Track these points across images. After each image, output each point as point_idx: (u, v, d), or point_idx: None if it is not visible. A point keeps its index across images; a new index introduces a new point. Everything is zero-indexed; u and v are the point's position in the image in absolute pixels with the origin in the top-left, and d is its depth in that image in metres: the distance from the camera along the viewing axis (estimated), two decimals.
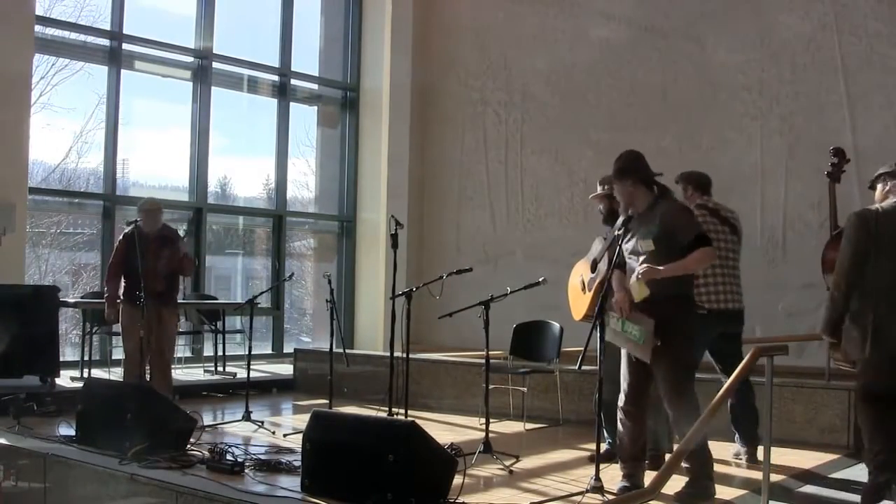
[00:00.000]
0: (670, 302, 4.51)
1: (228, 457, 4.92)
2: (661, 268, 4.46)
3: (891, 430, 4.17)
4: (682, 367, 4.53)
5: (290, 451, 5.37)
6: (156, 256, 6.80)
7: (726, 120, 8.93)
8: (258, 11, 10.76)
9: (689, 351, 4.56)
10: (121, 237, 6.96)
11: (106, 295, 6.97)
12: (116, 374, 7.99)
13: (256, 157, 10.84)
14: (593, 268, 5.30)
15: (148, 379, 6.88)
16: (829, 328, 4.30)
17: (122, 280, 6.85)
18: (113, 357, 8.36)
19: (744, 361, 4.42)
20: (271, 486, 4.52)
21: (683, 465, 4.44)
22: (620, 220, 4.87)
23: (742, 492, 4.70)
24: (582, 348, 4.51)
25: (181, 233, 8.33)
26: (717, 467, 4.88)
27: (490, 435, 5.52)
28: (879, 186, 4.46)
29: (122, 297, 6.79)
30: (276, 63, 10.39)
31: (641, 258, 4.57)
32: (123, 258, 6.75)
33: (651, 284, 4.50)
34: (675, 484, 4.43)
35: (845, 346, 4.28)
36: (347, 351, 7.74)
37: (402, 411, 6.34)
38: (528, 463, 5.42)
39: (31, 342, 6.97)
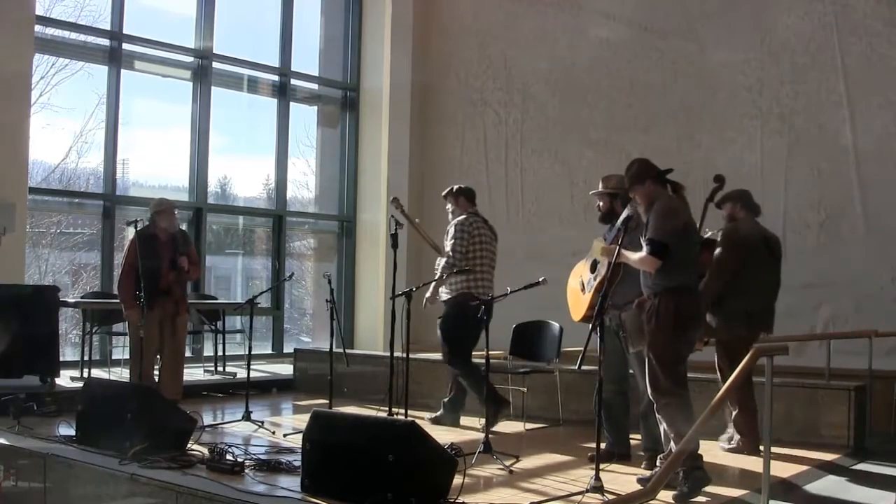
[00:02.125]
0: (655, 296, 4.63)
1: (228, 457, 4.91)
2: (624, 251, 4.71)
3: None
4: (658, 361, 4.58)
5: (290, 451, 5.36)
6: (169, 257, 6.79)
7: (726, 120, 8.93)
8: (258, 11, 10.77)
9: (668, 346, 4.58)
10: (132, 237, 6.89)
11: (123, 296, 6.87)
12: (116, 374, 8.00)
13: (256, 157, 10.86)
14: (593, 268, 5.30)
15: (156, 380, 6.90)
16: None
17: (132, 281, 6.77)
18: (113, 357, 8.37)
19: (743, 361, 4.42)
20: (271, 486, 4.52)
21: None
22: (622, 217, 4.90)
23: (742, 492, 4.70)
24: (582, 348, 4.51)
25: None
26: (718, 469, 4.90)
27: (490, 435, 5.52)
28: (729, 205, 5.98)
29: (140, 300, 6.57)
30: (276, 63, 10.39)
31: None
32: (137, 259, 6.62)
33: (644, 277, 4.72)
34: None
35: (718, 326, 5.79)
36: (347, 351, 7.74)
37: (402, 411, 6.34)
38: (528, 463, 5.41)
39: (31, 342, 6.96)
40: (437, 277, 6.69)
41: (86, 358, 7.89)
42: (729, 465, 5.41)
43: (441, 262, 6.73)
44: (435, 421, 6.78)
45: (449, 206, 6.94)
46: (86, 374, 7.58)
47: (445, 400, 6.93)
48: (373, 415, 6.56)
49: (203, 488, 4.40)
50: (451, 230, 6.70)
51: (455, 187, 7.00)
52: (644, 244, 4.63)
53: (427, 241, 7.11)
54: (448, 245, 6.66)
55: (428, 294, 6.77)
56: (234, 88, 10.27)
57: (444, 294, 6.68)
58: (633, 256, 4.67)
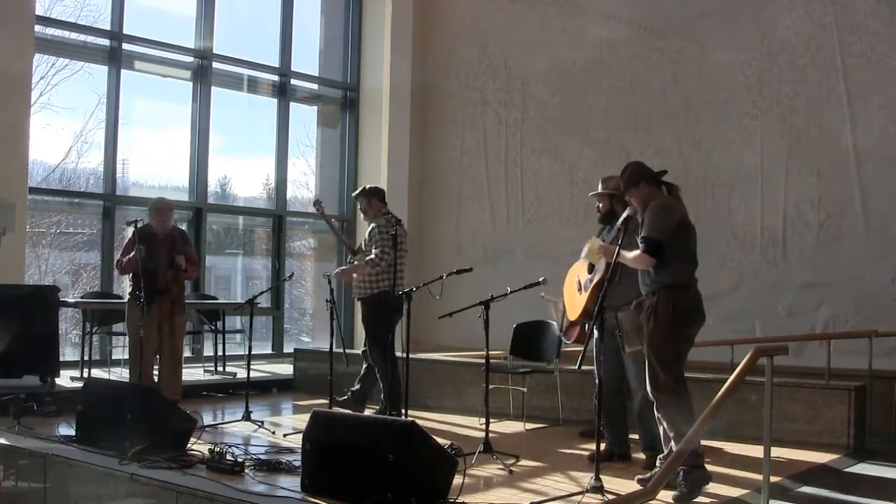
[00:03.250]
0: (653, 294, 4.64)
1: (228, 457, 4.91)
2: (618, 249, 4.68)
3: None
4: (658, 360, 4.58)
5: (290, 451, 5.36)
6: (167, 256, 6.80)
7: (726, 120, 8.93)
8: (258, 11, 10.77)
9: (668, 344, 4.58)
10: (131, 234, 6.89)
11: (122, 264, 6.91)
12: (116, 374, 8.00)
13: (256, 157, 10.85)
14: (590, 269, 5.30)
15: (155, 380, 6.89)
16: None
17: (131, 279, 6.82)
18: (113, 357, 8.37)
19: (743, 361, 4.42)
20: (271, 486, 4.52)
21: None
22: (622, 218, 4.90)
23: (742, 491, 4.70)
24: (582, 348, 4.51)
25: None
26: (718, 468, 4.89)
27: (490, 435, 5.52)
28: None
29: (140, 299, 6.56)
30: (276, 63, 10.39)
31: None
32: (133, 251, 6.65)
33: (642, 276, 4.73)
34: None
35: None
36: (347, 351, 7.74)
37: (402, 411, 6.34)
38: (528, 463, 5.42)
39: (31, 342, 6.96)
40: (357, 265, 6.95)
41: (86, 358, 7.89)
42: (729, 466, 5.40)
43: (364, 264, 6.91)
44: (340, 405, 6.89)
45: (360, 206, 7.05)
46: (86, 374, 7.57)
47: (354, 389, 7.04)
48: (373, 415, 6.56)
49: (203, 488, 4.40)
50: (376, 234, 6.82)
51: (367, 187, 7.13)
52: (639, 242, 4.64)
53: (343, 241, 7.69)
54: (377, 251, 6.76)
55: (341, 269, 7.16)
56: (234, 88, 10.27)
57: (364, 292, 6.89)
58: (629, 255, 4.68)
